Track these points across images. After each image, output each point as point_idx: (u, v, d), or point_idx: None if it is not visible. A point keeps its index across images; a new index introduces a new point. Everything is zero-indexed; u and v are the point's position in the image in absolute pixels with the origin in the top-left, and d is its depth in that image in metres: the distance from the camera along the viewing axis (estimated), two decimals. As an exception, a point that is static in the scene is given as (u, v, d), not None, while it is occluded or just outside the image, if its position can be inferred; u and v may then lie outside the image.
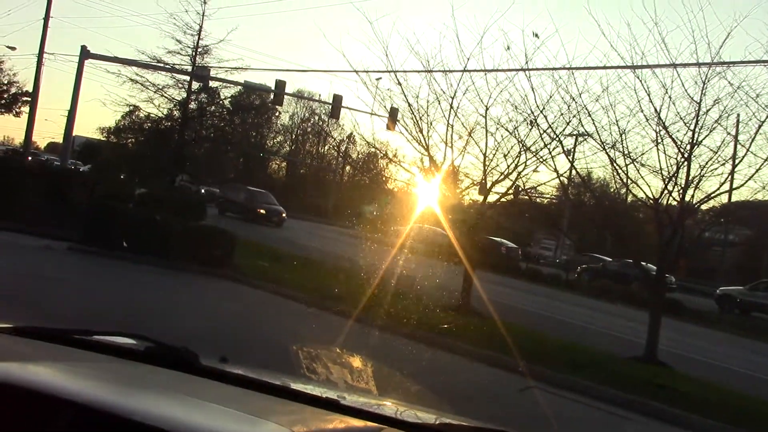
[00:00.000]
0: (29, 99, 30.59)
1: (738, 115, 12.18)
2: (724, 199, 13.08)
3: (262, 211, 34.63)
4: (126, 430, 1.32)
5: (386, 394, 5.16)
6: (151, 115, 33.15)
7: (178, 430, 1.30)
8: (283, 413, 1.65)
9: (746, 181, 11.82)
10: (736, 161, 11.93)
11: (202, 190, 45.27)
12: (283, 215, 35.65)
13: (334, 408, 1.78)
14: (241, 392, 1.83)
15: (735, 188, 12.34)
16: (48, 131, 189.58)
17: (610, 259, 33.39)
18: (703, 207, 13.12)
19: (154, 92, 31.38)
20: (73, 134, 33.15)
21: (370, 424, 1.65)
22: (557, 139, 13.75)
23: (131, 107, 33.82)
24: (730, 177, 12.08)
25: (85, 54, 27.59)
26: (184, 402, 1.58)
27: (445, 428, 1.74)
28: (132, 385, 1.68)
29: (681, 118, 11.80)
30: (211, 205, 39.29)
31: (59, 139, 47.10)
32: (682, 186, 11.93)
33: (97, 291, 11.35)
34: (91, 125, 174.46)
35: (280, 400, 1.81)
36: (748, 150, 11.56)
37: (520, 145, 14.24)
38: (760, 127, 11.33)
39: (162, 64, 30.78)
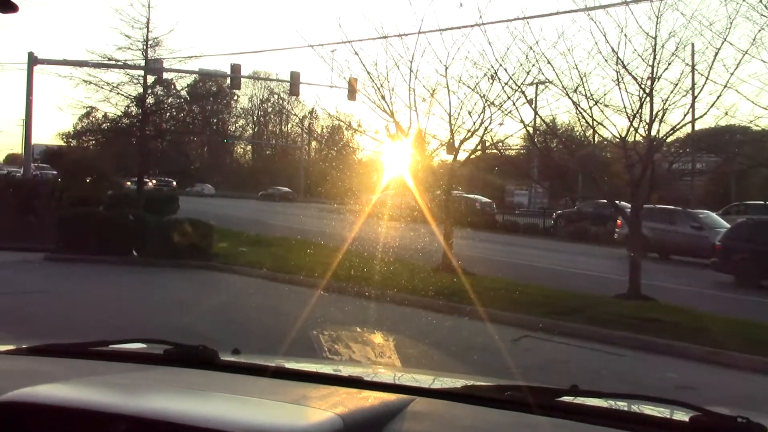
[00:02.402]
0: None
1: (693, 44, 12.29)
2: (689, 129, 13.25)
3: None
4: None
5: (406, 363, 5.24)
6: (109, 114, 32.62)
7: (238, 429, 1.33)
8: (318, 398, 1.68)
9: (708, 109, 11.98)
10: (696, 91, 12.09)
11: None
12: None
13: (364, 385, 1.83)
14: (269, 382, 1.86)
15: (698, 117, 12.51)
16: (3, 143, 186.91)
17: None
18: (669, 139, 13.30)
19: (110, 91, 30.78)
20: (32, 142, 32.51)
21: (402, 396, 1.70)
22: (519, 89, 13.82)
23: (88, 109, 33.28)
24: (691, 107, 12.24)
25: (33, 60, 26.99)
26: (226, 399, 1.59)
27: (470, 390, 1.81)
28: (172, 390, 1.68)
29: (639, 55, 11.93)
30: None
31: (18, 150, 46.22)
32: (647, 121, 12.07)
33: (86, 298, 11.20)
34: (49, 131, 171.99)
35: (310, 385, 1.84)
36: (707, 78, 11.69)
37: (484, 100, 14.32)
38: (716, 54, 11.46)
39: (113, 62, 30.20)
